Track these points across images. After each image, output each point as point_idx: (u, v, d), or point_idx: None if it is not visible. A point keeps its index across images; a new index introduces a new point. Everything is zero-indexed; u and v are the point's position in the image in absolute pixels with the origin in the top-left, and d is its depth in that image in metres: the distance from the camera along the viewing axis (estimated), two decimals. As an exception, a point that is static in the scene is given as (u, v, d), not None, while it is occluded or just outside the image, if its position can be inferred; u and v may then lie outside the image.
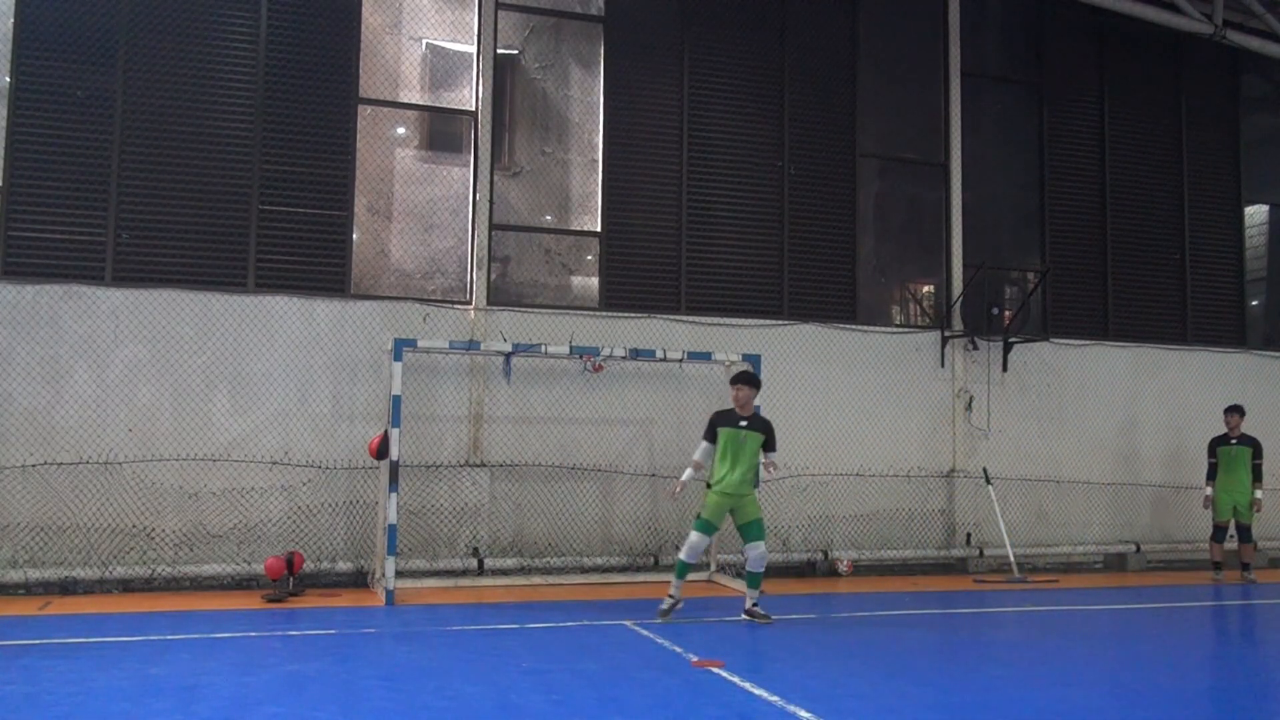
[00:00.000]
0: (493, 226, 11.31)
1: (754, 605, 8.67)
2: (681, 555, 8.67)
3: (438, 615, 8.83)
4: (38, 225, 9.96)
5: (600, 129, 11.82)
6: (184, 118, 10.40)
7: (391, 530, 9.33)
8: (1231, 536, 12.45)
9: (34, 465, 9.64)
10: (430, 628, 8.29)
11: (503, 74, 11.64)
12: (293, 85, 10.74)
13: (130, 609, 8.86)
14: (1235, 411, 12.59)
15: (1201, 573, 12.73)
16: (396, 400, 9.48)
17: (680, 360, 10.73)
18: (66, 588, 9.59)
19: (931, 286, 13.30)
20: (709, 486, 8.76)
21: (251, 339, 10.36)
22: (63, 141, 10.05)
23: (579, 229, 11.83)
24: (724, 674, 6.58)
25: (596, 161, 11.81)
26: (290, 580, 9.56)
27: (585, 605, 9.41)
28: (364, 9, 11.09)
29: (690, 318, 11.81)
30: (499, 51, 11.54)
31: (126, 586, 9.78)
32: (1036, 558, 12.98)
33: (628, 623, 8.43)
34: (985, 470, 12.37)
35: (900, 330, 12.81)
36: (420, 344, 9.93)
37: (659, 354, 10.61)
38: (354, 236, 10.91)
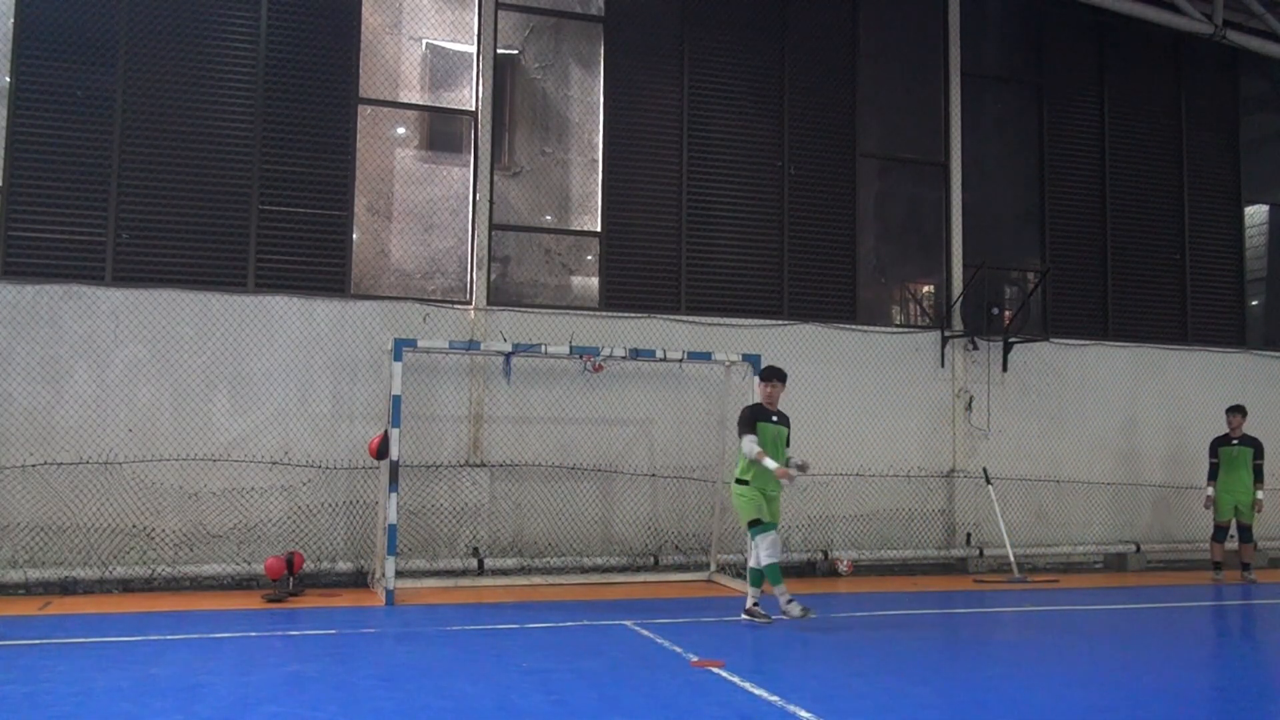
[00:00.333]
0: (493, 226, 11.31)
1: (755, 605, 8.68)
2: (774, 559, 8.49)
3: (438, 615, 8.82)
4: (38, 225, 9.96)
5: (600, 129, 11.82)
6: (184, 117, 10.41)
7: (391, 530, 9.33)
8: (1232, 536, 12.45)
9: (34, 465, 9.64)
10: (430, 628, 8.29)
11: (503, 74, 11.64)
12: (293, 85, 10.74)
13: (130, 609, 8.86)
14: (1237, 412, 12.59)
15: (1201, 573, 12.73)
16: (396, 400, 9.48)
17: (680, 360, 10.73)
18: (66, 588, 9.59)
19: (931, 286, 13.30)
20: (742, 484, 8.68)
21: (251, 339, 10.36)
22: (63, 141, 10.06)
23: (579, 229, 11.83)
24: (724, 674, 6.57)
25: (596, 161, 11.82)
26: (290, 580, 9.56)
27: (585, 605, 9.41)
28: (364, 9, 11.09)
29: (690, 318, 11.81)
30: (499, 51, 11.54)
31: (126, 586, 9.78)
32: (1036, 557, 12.98)
33: (628, 623, 8.43)
34: (985, 470, 12.37)
35: (900, 330, 12.81)
36: (420, 344, 9.93)
37: (659, 354, 10.62)
38: (354, 236, 10.91)
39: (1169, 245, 14.19)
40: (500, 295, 11.34)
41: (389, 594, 9.27)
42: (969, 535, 12.58)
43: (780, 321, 12.15)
